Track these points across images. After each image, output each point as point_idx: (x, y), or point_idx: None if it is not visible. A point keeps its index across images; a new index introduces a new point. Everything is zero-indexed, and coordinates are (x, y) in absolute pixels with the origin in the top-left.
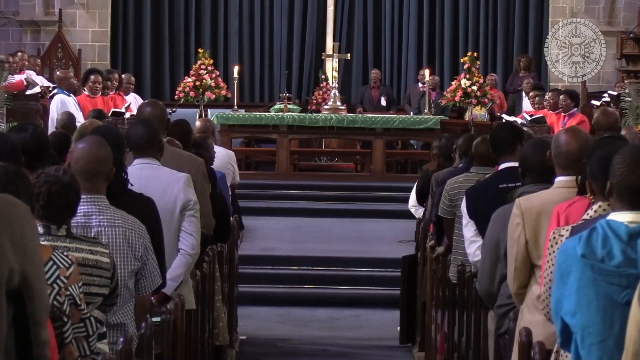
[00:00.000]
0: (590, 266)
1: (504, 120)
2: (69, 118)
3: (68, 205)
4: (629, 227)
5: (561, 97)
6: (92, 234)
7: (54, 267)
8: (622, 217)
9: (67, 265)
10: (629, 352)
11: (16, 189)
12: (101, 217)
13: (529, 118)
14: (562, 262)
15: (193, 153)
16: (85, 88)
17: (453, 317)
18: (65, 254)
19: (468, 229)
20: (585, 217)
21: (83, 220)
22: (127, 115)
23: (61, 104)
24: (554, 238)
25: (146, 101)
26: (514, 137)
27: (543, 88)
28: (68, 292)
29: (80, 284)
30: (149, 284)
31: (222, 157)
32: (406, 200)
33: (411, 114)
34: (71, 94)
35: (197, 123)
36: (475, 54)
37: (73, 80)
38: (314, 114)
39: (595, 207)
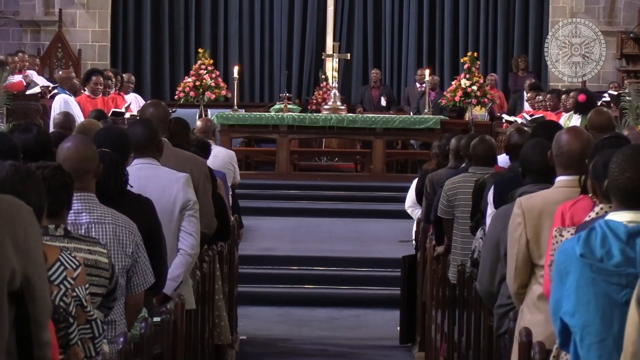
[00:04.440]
0: (589, 266)
1: (507, 121)
2: (65, 118)
3: (65, 188)
4: (627, 227)
5: (563, 97)
6: (82, 231)
7: (61, 268)
8: (621, 217)
9: (74, 266)
10: (627, 353)
11: (26, 188)
12: (91, 214)
13: (529, 118)
14: (561, 262)
15: (193, 152)
16: (86, 88)
17: (453, 317)
18: (72, 255)
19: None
20: (587, 219)
21: (73, 218)
22: (127, 115)
23: (64, 104)
24: (555, 237)
25: (149, 102)
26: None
27: (541, 88)
28: (75, 294)
29: (87, 285)
30: (140, 283)
31: (223, 157)
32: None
33: (410, 114)
34: (72, 95)
35: (198, 123)
36: (475, 54)
37: (75, 80)
38: (314, 114)
39: (597, 209)
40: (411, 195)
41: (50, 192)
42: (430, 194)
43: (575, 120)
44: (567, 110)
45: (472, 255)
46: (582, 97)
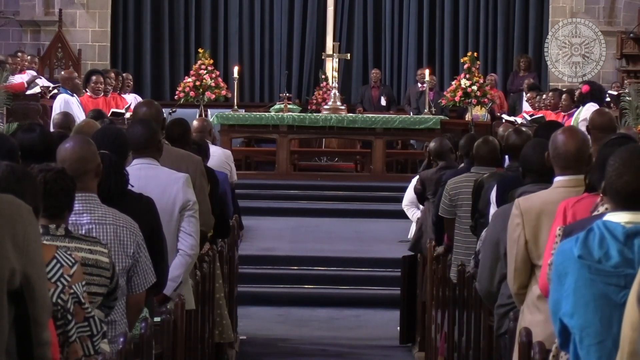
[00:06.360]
0: (587, 267)
1: (506, 120)
2: (64, 118)
3: (67, 192)
4: (625, 228)
5: (563, 96)
6: (83, 232)
7: (58, 265)
8: (619, 218)
9: (70, 263)
10: (624, 352)
11: (22, 188)
12: (92, 214)
13: (529, 118)
14: (560, 264)
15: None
16: (87, 89)
17: (453, 317)
18: (68, 252)
19: None
20: (596, 212)
21: (74, 218)
22: (127, 115)
23: (65, 104)
24: (558, 235)
25: (142, 101)
26: None
27: (539, 88)
28: (72, 291)
29: (83, 282)
30: (141, 282)
31: (219, 156)
32: None
33: (411, 114)
34: (74, 94)
35: (194, 123)
36: (475, 54)
37: (77, 80)
38: (314, 114)
39: (601, 209)
40: (409, 194)
41: (51, 196)
42: (418, 194)
43: (576, 113)
44: (564, 110)
45: (477, 256)
46: (585, 88)
